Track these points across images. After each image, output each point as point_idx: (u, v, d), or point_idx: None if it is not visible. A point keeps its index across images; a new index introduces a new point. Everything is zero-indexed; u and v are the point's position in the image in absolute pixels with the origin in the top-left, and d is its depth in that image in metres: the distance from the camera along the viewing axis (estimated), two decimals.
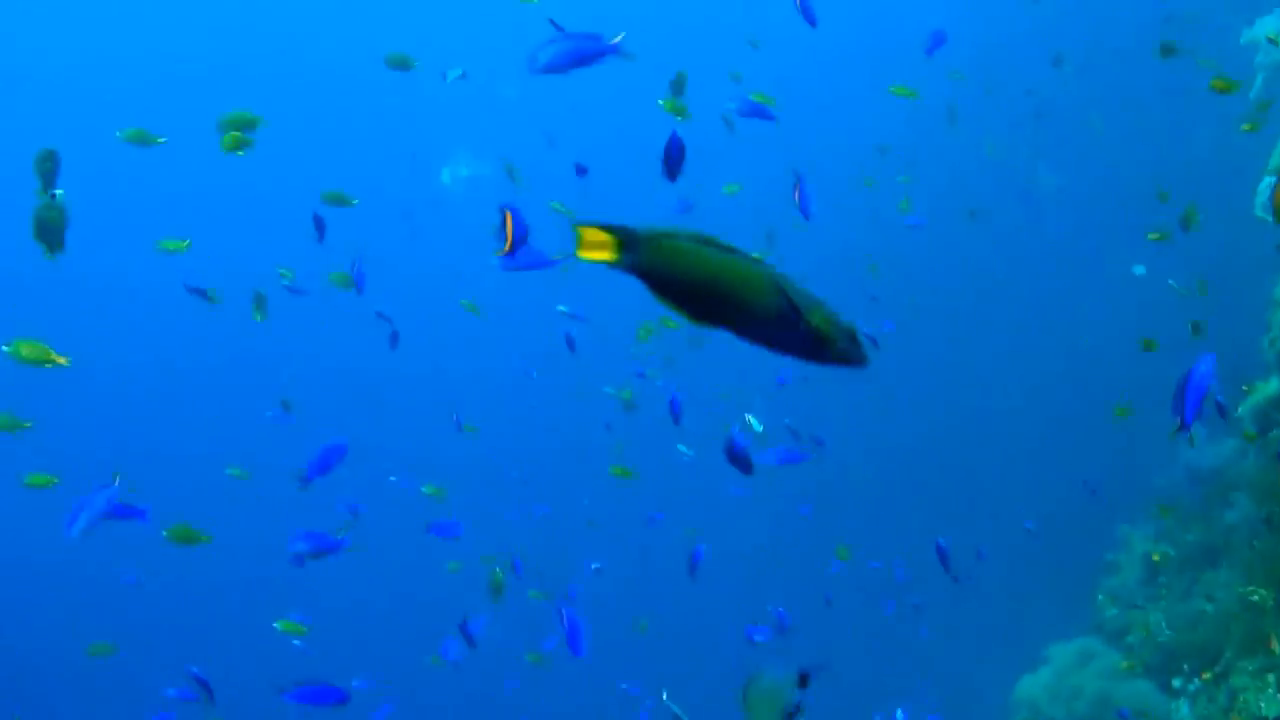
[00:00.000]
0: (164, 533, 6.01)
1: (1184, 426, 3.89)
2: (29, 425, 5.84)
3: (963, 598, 14.58)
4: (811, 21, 5.76)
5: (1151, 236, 8.46)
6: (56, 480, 6.46)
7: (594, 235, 1.91)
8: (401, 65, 8.04)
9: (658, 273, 1.90)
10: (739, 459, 4.93)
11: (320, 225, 7.54)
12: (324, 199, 7.57)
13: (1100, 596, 12.38)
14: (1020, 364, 18.66)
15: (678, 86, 7.20)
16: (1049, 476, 15.87)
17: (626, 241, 1.90)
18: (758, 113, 6.50)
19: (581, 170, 7.68)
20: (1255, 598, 8.69)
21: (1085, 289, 17.96)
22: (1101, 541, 12.82)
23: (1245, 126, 7.84)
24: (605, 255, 1.89)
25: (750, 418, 8.46)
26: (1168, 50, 7.07)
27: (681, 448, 13.07)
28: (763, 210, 13.95)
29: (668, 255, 1.90)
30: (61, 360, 4.95)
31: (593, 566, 12.76)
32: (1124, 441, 14.74)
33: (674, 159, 4.33)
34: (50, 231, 4.76)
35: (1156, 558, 11.64)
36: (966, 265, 19.43)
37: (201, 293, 8.05)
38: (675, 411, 7.06)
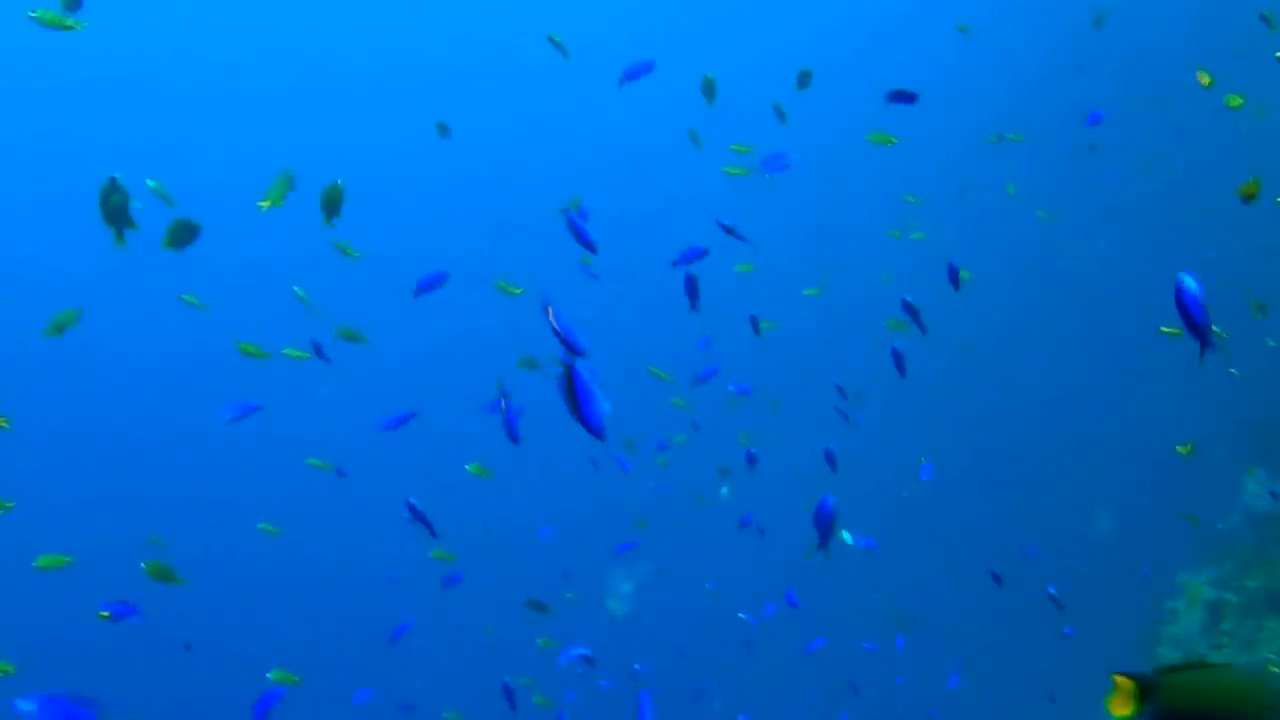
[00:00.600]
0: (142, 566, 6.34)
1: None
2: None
3: (1021, 648, 14.35)
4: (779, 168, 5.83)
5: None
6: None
7: (1120, 684, 2.03)
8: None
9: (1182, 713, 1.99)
10: (823, 529, 4.82)
11: (319, 350, 7.86)
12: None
13: (1161, 647, 12.09)
14: (1077, 407, 18.39)
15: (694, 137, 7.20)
16: (1111, 523, 15.60)
17: (1147, 688, 2.02)
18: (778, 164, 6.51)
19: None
20: None
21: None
22: (1161, 589, 12.52)
23: None
24: (1128, 709, 1.99)
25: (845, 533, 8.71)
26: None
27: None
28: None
29: (1187, 694, 1.98)
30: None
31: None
32: (1180, 485, 14.47)
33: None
34: (118, 215, 4.98)
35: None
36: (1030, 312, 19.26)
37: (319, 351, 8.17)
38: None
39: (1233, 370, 8.55)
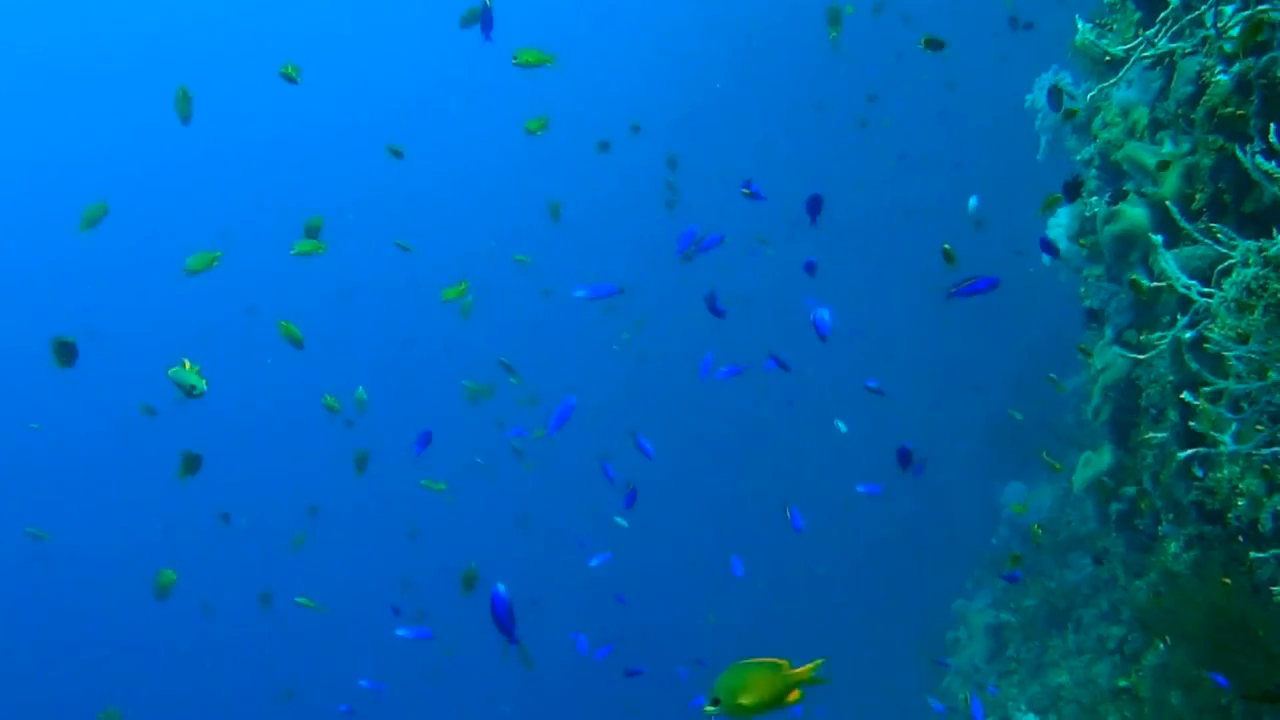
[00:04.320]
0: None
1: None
2: None
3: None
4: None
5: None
6: None
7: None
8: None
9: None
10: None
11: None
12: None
13: (947, 677, 11.47)
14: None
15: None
16: (875, 550, 15.13)
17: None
18: None
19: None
20: (1124, 683, 7.79)
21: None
22: (938, 615, 11.95)
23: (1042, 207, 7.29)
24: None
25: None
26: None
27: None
28: None
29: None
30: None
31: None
32: (944, 504, 14.14)
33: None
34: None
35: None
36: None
37: None
38: None
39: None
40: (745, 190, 5.92)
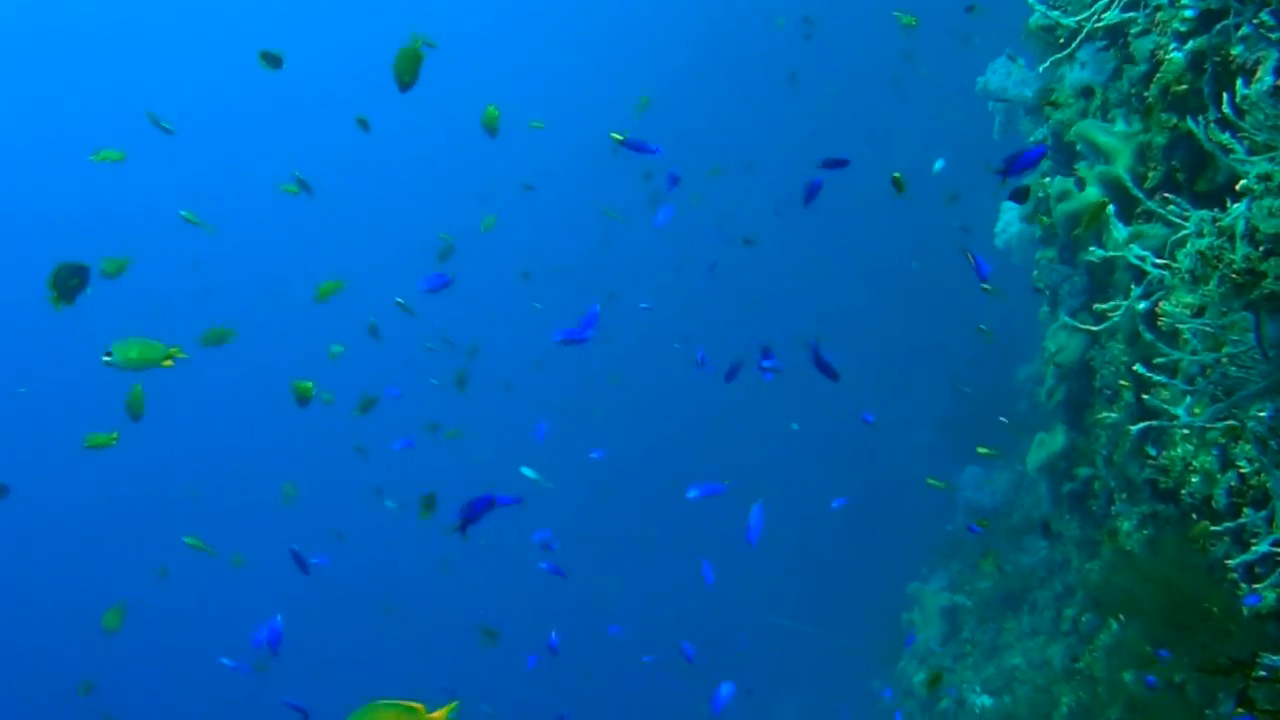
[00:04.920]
0: None
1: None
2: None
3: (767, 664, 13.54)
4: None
5: None
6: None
7: None
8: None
9: None
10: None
11: None
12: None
13: (903, 659, 11.50)
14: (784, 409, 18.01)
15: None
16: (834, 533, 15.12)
17: None
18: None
19: None
20: (1079, 664, 7.82)
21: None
22: (896, 600, 11.97)
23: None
24: None
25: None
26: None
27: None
28: None
29: None
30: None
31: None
32: (900, 488, 14.14)
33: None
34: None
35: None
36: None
37: None
38: None
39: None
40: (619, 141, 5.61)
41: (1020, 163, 4.25)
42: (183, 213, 6.94)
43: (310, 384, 6.46)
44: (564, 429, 11.85)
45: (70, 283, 5.10)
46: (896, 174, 4.85)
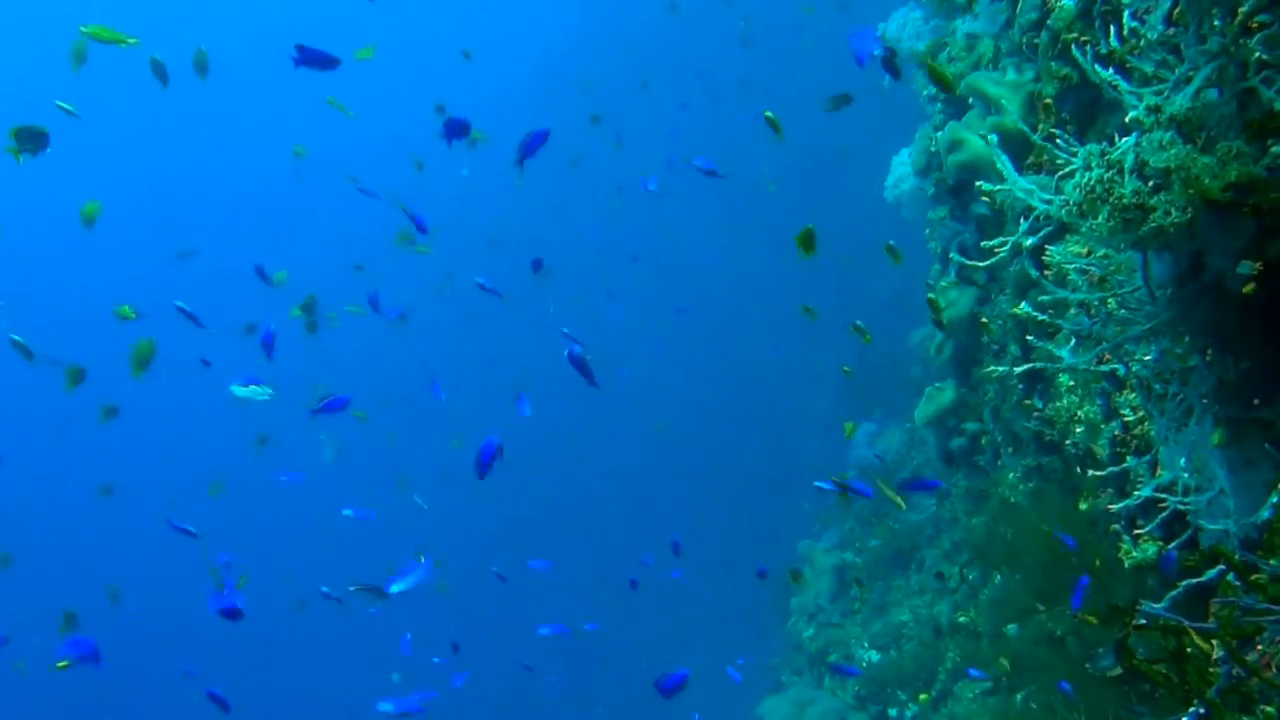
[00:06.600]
0: None
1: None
2: None
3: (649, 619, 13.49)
4: None
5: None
6: None
7: None
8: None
9: None
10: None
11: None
12: None
13: (793, 617, 11.52)
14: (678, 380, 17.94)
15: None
16: (723, 488, 15.13)
17: None
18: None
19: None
20: (964, 619, 7.87)
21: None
22: (785, 552, 11.96)
23: None
24: None
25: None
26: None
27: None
28: None
29: None
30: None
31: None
32: (791, 445, 14.15)
33: None
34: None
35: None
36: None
37: None
38: None
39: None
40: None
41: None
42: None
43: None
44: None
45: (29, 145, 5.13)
46: (768, 112, 4.69)
